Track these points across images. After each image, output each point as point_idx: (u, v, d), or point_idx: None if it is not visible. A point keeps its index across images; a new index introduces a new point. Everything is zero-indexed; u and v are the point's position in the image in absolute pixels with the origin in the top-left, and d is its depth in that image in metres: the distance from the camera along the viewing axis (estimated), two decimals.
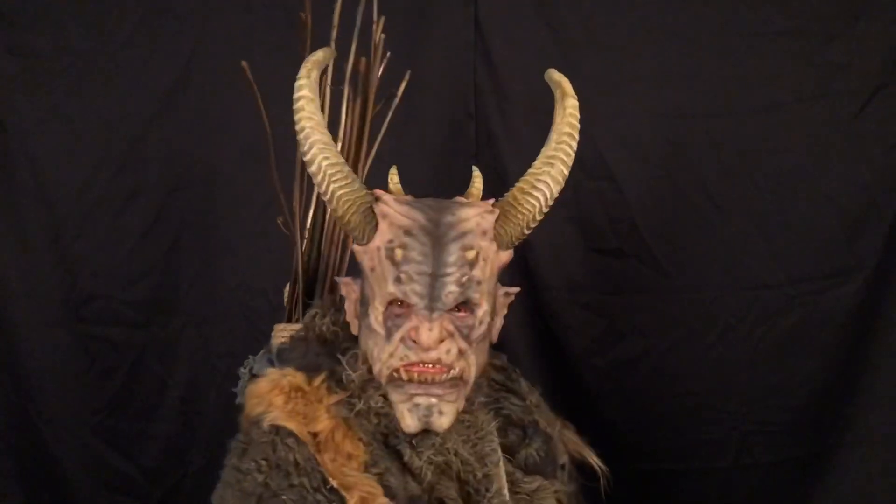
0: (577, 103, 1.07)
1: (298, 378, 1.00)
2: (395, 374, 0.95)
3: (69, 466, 1.95)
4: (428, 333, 0.92)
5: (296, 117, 0.99)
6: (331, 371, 1.02)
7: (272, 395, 0.99)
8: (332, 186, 0.97)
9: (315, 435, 0.96)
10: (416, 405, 0.96)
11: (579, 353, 1.82)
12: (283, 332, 1.19)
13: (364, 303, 1.00)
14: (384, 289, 0.95)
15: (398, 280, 0.94)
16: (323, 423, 0.96)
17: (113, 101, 1.82)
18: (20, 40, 1.82)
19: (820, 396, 1.75)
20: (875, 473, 1.67)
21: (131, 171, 1.86)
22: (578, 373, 1.83)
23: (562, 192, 1.88)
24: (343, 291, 1.06)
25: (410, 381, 0.94)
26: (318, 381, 1.00)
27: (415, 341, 0.93)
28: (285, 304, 1.31)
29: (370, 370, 0.99)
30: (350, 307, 1.05)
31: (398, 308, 0.96)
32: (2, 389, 1.91)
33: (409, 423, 0.96)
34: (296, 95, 1.00)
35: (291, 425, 0.96)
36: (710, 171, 1.73)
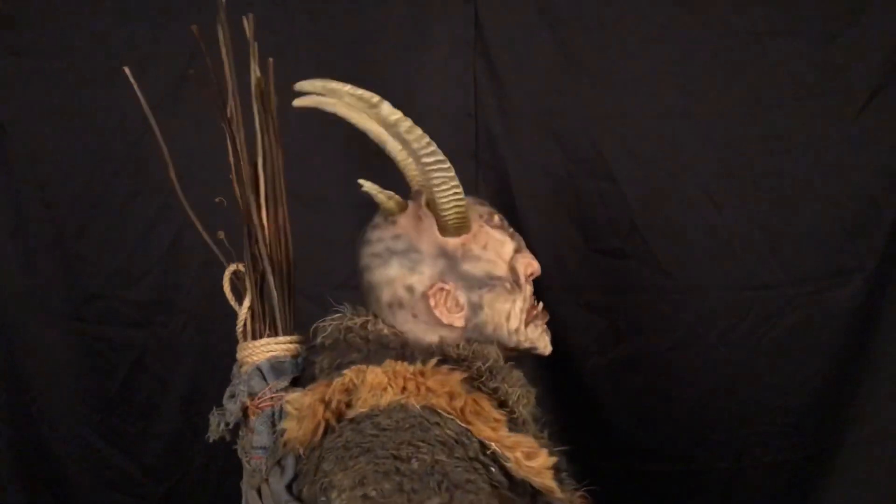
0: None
1: (407, 367, 1.02)
2: (533, 312, 1.15)
3: (70, 465, 1.95)
4: (537, 262, 1.16)
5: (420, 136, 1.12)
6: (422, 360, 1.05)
7: (396, 382, 0.98)
8: (453, 191, 1.09)
9: (460, 410, 0.99)
10: (547, 330, 1.18)
11: (579, 353, 1.82)
12: (270, 347, 1.19)
13: (480, 285, 1.11)
14: (507, 248, 1.14)
15: (512, 235, 1.16)
16: (461, 398, 0.99)
17: (113, 101, 1.82)
18: (20, 40, 1.82)
19: (821, 397, 1.75)
20: (877, 474, 1.67)
21: (131, 171, 1.86)
22: (578, 372, 1.83)
23: (562, 193, 1.88)
24: (438, 296, 1.10)
25: (538, 314, 1.17)
26: (431, 363, 1.03)
27: (532, 274, 1.15)
28: (244, 323, 1.23)
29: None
30: (448, 306, 1.10)
31: None
32: (2, 389, 1.91)
33: (548, 346, 1.19)
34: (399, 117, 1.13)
35: (435, 402, 0.97)
36: (711, 171, 1.73)
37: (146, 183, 1.86)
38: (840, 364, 1.73)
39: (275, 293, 1.18)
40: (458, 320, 1.10)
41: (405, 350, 1.08)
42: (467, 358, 1.08)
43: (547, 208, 1.79)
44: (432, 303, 1.09)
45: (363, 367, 1.01)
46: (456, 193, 1.10)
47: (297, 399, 1.01)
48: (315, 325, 1.12)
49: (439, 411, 0.97)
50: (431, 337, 1.10)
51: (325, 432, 0.98)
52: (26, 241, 1.88)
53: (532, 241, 1.78)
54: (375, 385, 0.98)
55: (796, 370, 1.75)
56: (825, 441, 1.73)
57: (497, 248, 1.13)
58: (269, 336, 1.20)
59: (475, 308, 1.10)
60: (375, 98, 1.11)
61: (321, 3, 1.80)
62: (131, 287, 1.90)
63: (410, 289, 1.09)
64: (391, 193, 1.11)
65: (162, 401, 1.94)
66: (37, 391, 1.92)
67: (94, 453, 1.94)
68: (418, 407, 0.96)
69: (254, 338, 1.20)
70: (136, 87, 1.22)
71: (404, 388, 0.98)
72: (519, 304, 1.12)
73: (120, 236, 1.88)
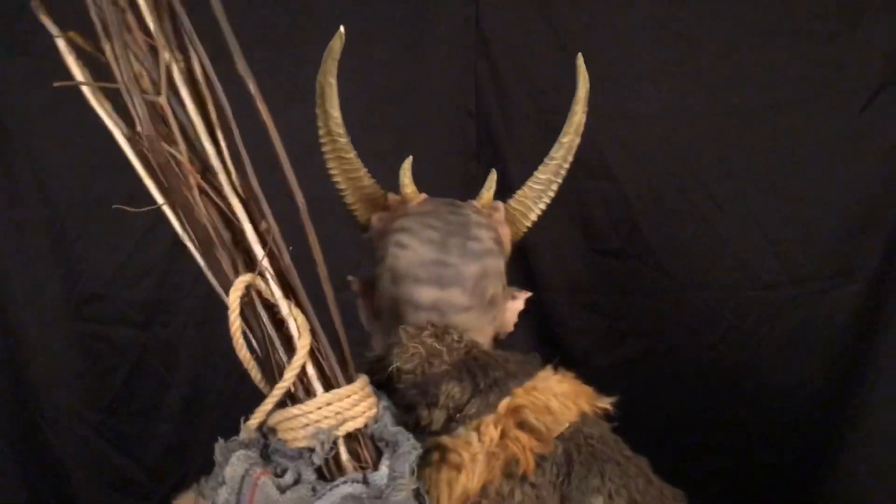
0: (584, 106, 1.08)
1: (558, 375, 0.94)
2: None
3: (71, 466, 1.95)
4: None
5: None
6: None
7: (569, 391, 0.92)
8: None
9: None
10: None
11: (580, 354, 1.82)
12: (360, 404, 0.76)
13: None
14: None
15: None
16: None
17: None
18: (20, 40, 1.82)
19: (822, 397, 1.75)
20: (878, 474, 1.67)
21: (132, 171, 1.86)
22: (579, 373, 1.83)
23: (563, 193, 1.88)
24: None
25: None
26: (549, 369, 0.94)
27: None
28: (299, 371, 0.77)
29: None
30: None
31: None
32: (4, 389, 1.91)
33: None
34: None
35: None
36: (712, 171, 1.73)
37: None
38: (840, 364, 1.73)
39: (335, 313, 0.77)
40: (510, 325, 1.05)
41: (511, 360, 0.93)
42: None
43: (547, 208, 1.78)
44: (519, 305, 1.03)
45: (524, 384, 0.87)
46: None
47: (468, 444, 0.81)
48: (385, 356, 0.90)
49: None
50: (486, 339, 0.98)
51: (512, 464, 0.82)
52: (26, 241, 1.88)
53: (533, 241, 1.79)
54: (563, 396, 0.88)
55: (797, 370, 1.75)
56: (825, 441, 1.73)
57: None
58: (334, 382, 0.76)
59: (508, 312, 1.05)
60: None
61: (321, 4, 1.79)
62: (131, 287, 1.90)
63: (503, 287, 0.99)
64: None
65: (162, 401, 1.94)
66: (37, 391, 1.92)
67: (95, 453, 1.94)
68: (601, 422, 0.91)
69: (317, 392, 0.75)
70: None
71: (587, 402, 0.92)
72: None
73: (120, 236, 1.88)
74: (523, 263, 1.79)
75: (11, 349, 1.90)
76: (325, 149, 1.02)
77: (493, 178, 1.05)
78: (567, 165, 1.08)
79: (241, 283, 0.72)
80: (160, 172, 0.75)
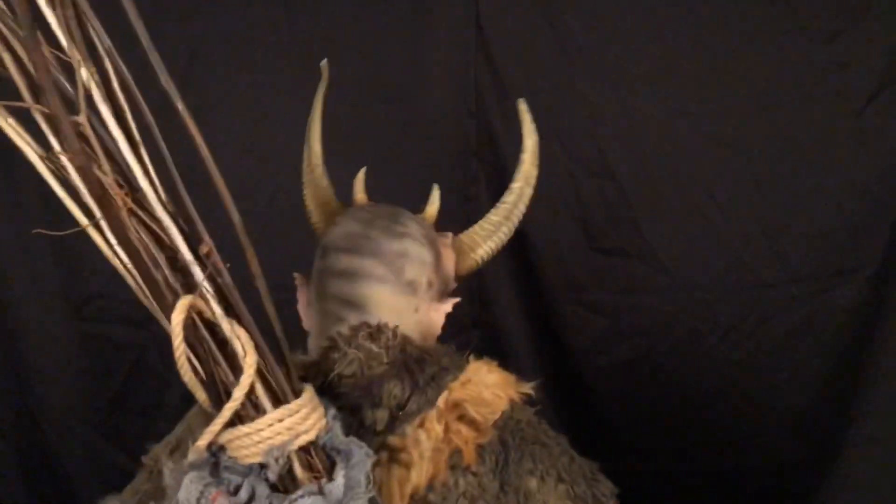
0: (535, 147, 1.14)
1: (487, 365, 0.93)
2: None
3: (71, 464, 1.95)
4: None
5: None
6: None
7: (499, 380, 0.92)
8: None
9: None
10: None
11: (580, 353, 1.82)
12: (309, 417, 0.74)
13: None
14: None
15: None
16: None
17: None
18: None
19: (821, 397, 1.75)
20: (878, 473, 1.67)
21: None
22: (579, 372, 1.83)
23: (563, 192, 1.88)
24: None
25: None
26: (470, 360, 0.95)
27: None
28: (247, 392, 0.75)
29: None
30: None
31: None
32: (4, 388, 1.91)
33: None
34: None
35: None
36: (711, 171, 1.73)
37: None
38: (840, 364, 1.73)
39: (277, 327, 0.76)
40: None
41: (442, 353, 0.94)
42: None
43: (547, 208, 1.79)
44: (448, 308, 1.00)
45: (458, 378, 0.89)
46: None
47: (416, 442, 0.84)
48: (316, 359, 0.90)
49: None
50: (411, 331, 0.96)
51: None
52: (26, 241, 1.88)
53: (533, 240, 1.79)
54: (494, 387, 0.90)
55: (797, 370, 1.75)
56: (825, 441, 1.73)
57: None
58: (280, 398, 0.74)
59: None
60: None
61: (321, 4, 1.79)
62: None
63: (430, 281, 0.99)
64: None
65: (162, 400, 1.94)
66: (38, 391, 1.92)
67: (95, 453, 1.94)
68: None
69: (267, 409, 0.74)
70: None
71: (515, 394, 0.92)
72: None
73: None
74: (524, 262, 1.79)
75: (11, 349, 1.90)
76: (304, 177, 1.12)
77: (436, 194, 1.08)
78: (518, 212, 1.11)
79: (182, 305, 0.70)
80: (89, 193, 0.71)
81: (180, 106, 0.69)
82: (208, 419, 0.76)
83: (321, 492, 0.70)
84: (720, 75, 1.71)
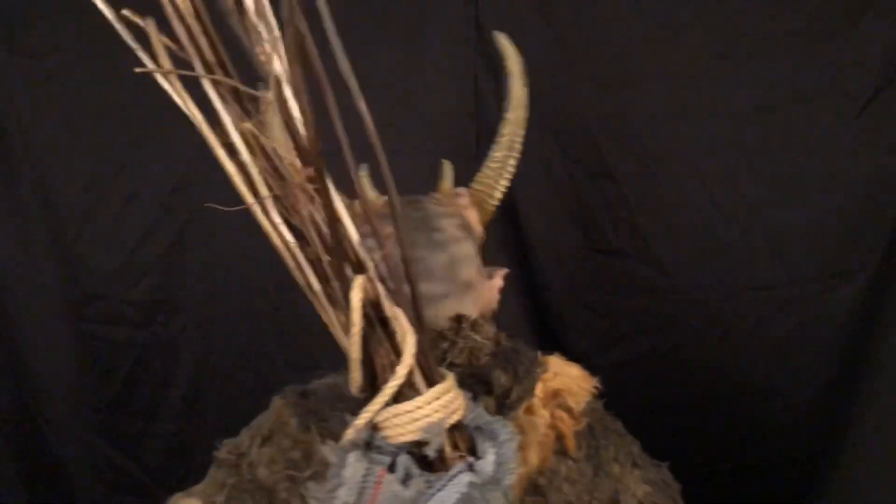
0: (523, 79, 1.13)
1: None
2: None
3: (71, 465, 1.95)
4: None
5: None
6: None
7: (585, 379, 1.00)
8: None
9: None
10: None
11: (580, 354, 1.81)
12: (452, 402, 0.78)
13: None
14: None
15: None
16: None
17: (113, 100, 1.82)
18: (20, 40, 1.82)
19: (821, 396, 1.75)
20: (878, 474, 1.67)
21: (132, 171, 1.86)
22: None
23: (563, 193, 1.88)
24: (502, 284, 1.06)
25: None
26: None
27: None
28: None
29: None
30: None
31: None
32: (4, 388, 1.92)
33: None
34: None
35: None
36: (711, 171, 1.73)
37: (146, 183, 1.86)
38: (840, 364, 1.73)
39: (420, 311, 0.78)
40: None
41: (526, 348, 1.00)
42: None
43: (547, 208, 1.79)
44: (499, 282, 1.04)
45: (548, 369, 0.95)
46: None
47: (532, 426, 0.88)
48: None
49: None
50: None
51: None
52: (26, 241, 1.88)
53: (532, 240, 1.79)
54: (578, 378, 0.97)
55: (797, 370, 1.75)
56: (826, 440, 1.73)
57: None
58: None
59: None
60: None
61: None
62: (131, 287, 1.90)
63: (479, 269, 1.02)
64: None
65: (162, 401, 1.94)
66: (37, 391, 1.92)
67: (95, 453, 1.95)
68: None
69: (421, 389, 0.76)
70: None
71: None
72: None
73: (120, 236, 1.88)
74: (523, 263, 1.79)
75: (11, 349, 1.90)
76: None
77: (448, 167, 1.08)
78: (519, 139, 1.10)
79: (359, 284, 0.72)
80: (267, 171, 0.73)
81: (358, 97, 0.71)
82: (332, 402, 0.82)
83: (471, 468, 0.74)
84: (719, 76, 1.71)
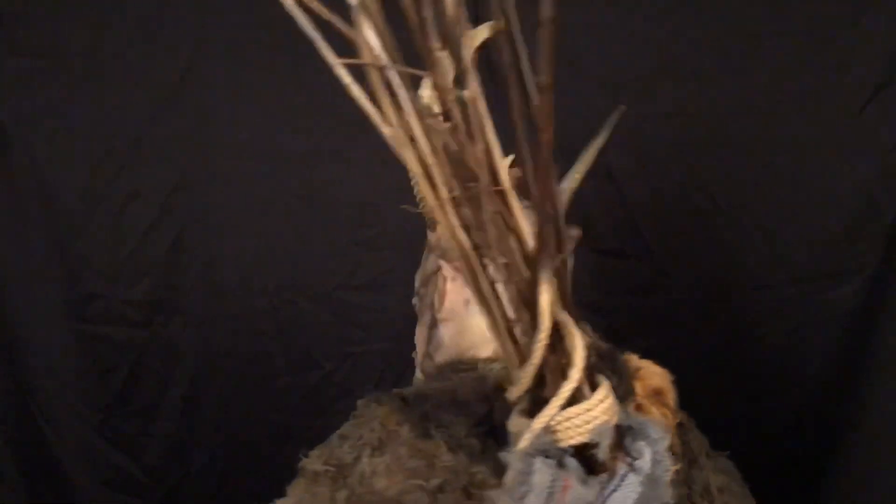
0: None
1: None
2: None
3: (71, 465, 1.95)
4: None
5: None
6: None
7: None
8: None
9: None
10: None
11: None
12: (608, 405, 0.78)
13: None
14: None
15: None
16: None
17: (113, 100, 1.82)
18: (20, 40, 1.82)
19: (822, 397, 1.75)
20: (878, 473, 1.67)
21: (132, 171, 1.86)
22: None
23: None
24: None
25: None
26: None
27: None
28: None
29: None
30: None
31: None
32: (4, 388, 1.91)
33: None
34: None
35: None
36: (711, 171, 1.73)
37: (146, 183, 1.86)
38: (840, 364, 1.73)
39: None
40: None
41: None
42: None
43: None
44: None
45: (638, 370, 0.97)
46: None
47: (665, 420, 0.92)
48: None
49: None
50: None
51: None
52: (26, 241, 1.88)
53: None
54: (661, 376, 1.00)
55: (796, 371, 1.75)
56: (825, 441, 1.73)
57: None
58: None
59: None
60: None
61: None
62: (131, 287, 1.90)
63: None
64: None
65: (162, 401, 1.94)
66: (37, 391, 1.92)
67: (95, 453, 1.94)
68: None
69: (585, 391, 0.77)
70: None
71: None
72: None
73: (120, 236, 1.88)
74: None
75: (11, 349, 1.90)
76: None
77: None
78: None
79: (547, 286, 0.74)
80: (453, 167, 0.73)
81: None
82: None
83: (633, 469, 0.74)
84: (719, 76, 1.71)
